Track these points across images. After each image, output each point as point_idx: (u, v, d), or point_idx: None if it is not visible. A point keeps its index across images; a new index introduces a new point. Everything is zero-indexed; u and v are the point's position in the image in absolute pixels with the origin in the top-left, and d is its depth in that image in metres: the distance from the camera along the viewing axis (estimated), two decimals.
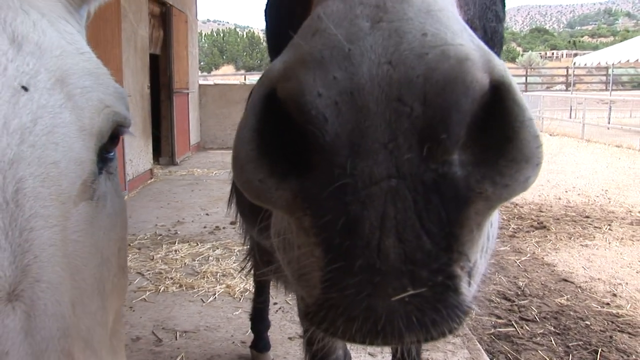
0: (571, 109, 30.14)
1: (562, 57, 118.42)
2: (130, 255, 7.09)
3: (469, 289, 0.86)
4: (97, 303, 1.19)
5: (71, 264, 1.12)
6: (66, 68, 1.21)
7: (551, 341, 5.13)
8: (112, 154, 1.34)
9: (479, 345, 4.82)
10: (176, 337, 5.00)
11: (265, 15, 1.72)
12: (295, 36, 0.87)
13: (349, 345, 3.86)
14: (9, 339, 0.97)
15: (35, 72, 1.15)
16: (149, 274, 6.58)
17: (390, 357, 3.12)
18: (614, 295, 6.35)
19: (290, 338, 4.94)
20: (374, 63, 0.78)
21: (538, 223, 9.27)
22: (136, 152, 11.74)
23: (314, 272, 0.85)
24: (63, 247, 1.10)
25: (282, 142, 0.84)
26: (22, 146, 1.08)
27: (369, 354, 4.47)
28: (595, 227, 9.11)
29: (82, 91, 1.22)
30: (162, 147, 15.05)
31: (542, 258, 7.58)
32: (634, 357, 4.87)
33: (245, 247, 4.73)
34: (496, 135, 0.82)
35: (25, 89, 1.12)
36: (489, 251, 0.92)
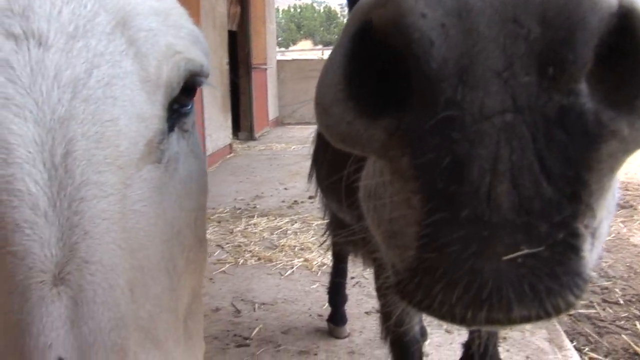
0: None
1: None
2: (210, 229, 7.24)
3: (591, 255, 0.72)
4: (163, 284, 1.03)
5: (131, 240, 0.97)
6: (129, 8, 1.04)
7: (636, 325, 4.89)
8: (188, 107, 1.17)
9: (558, 326, 4.66)
10: (254, 309, 5.08)
11: None
12: None
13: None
14: (53, 329, 0.86)
15: (94, 14, 0.99)
16: (229, 246, 6.70)
17: (465, 341, 3.04)
18: None
19: (366, 312, 4.93)
20: None
21: (624, 202, 8.86)
22: (216, 127, 11.94)
23: (409, 227, 0.73)
24: (121, 220, 0.95)
25: (373, 80, 0.75)
26: (75, 101, 0.93)
27: (446, 330, 4.40)
28: None
29: (146, 35, 1.05)
30: (241, 122, 15.26)
31: (628, 239, 7.22)
32: None
33: (324, 221, 4.73)
34: (628, 72, 0.68)
35: (79, 34, 0.97)
36: (610, 216, 0.78)
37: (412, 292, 0.74)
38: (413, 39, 0.66)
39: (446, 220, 0.68)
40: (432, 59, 0.66)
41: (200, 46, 1.19)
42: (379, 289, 2.77)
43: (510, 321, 0.71)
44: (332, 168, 3.49)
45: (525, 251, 0.68)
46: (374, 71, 0.74)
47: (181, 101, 1.12)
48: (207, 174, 1.24)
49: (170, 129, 1.10)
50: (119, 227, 0.94)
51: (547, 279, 0.69)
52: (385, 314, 2.74)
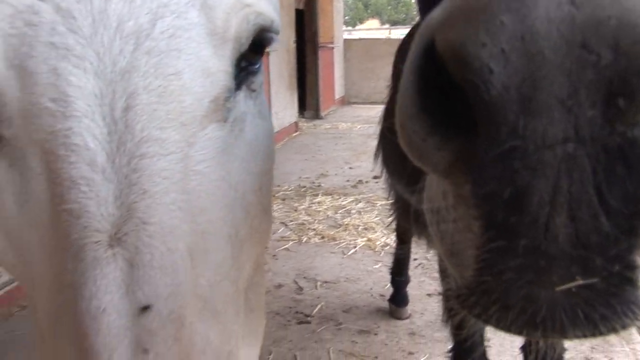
0: None
1: None
2: (274, 206, 7.31)
3: None
4: (225, 252, 0.97)
5: (192, 202, 0.91)
6: None
7: None
8: (256, 66, 1.09)
9: None
10: (316, 287, 5.12)
11: None
12: None
13: None
14: (107, 292, 0.81)
15: None
16: (292, 224, 6.76)
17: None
18: None
19: (428, 294, 4.90)
20: (552, 2, 0.63)
21: None
22: (282, 105, 12.01)
23: (468, 250, 0.73)
24: (182, 180, 0.90)
25: (447, 99, 0.73)
26: (137, 53, 0.88)
27: None
28: None
29: None
30: (307, 101, 15.30)
31: None
32: None
33: (388, 202, 4.71)
34: None
35: None
36: None
37: (471, 306, 0.75)
38: (473, 69, 0.65)
39: (504, 248, 0.69)
40: (491, 86, 0.64)
41: (270, 0, 1.12)
42: (441, 272, 2.75)
43: (566, 338, 0.72)
44: (398, 150, 3.47)
45: (580, 282, 0.68)
46: (444, 90, 0.72)
47: (249, 59, 1.06)
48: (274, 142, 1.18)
49: (238, 87, 1.04)
50: (179, 187, 0.89)
51: (601, 308, 0.69)
52: (448, 297, 2.72)
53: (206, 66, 0.94)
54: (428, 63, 0.73)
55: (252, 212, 1.06)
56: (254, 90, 1.10)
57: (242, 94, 1.05)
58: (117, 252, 0.83)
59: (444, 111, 0.73)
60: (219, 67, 0.96)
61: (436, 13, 0.73)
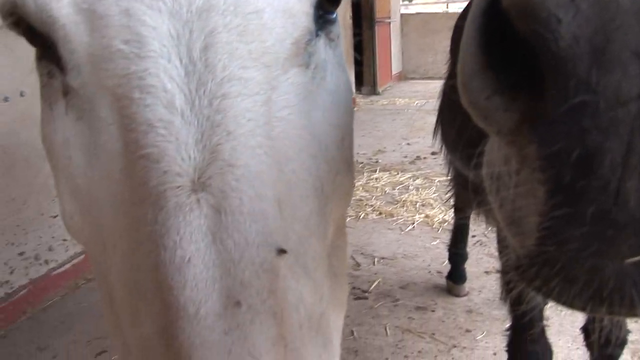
0: None
1: None
2: None
3: None
4: (311, 206, 0.90)
5: (277, 148, 0.85)
6: None
7: None
8: (332, 15, 1.03)
9: None
10: (374, 263, 5.15)
11: None
12: None
13: None
14: (192, 241, 0.75)
15: None
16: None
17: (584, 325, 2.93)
18: None
19: (486, 272, 4.86)
20: None
21: None
22: None
23: (530, 217, 0.68)
24: (266, 125, 0.84)
25: (512, 56, 0.69)
26: None
27: None
28: None
29: None
30: (364, 77, 15.20)
31: None
32: None
33: (447, 178, 4.68)
34: None
35: None
36: None
37: (531, 278, 0.70)
38: (539, 20, 0.60)
39: (570, 215, 0.63)
40: (560, 38, 0.59)
41: None
42: (500, 250, 2.73)
43: (635, 315, 0.67)
44: (457, 125, 3.44)
45: None
46: (510, 46, 0.68)
47: (326, 7, 1.01)
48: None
49: (317, 33, 0.99)
50: (264, 132, 0.84)
51: None
52: (506, 272, 2.70)
53: (287, 6, 0.90)
54: (491, 19, 0.69)
55: (335, 167, 1.00)
56: (332, 40, 1.06)
57: (322, 41, 1.01)
58: (202, 197, 0.77)
59: (508, 69, 0.69)
60: (300, 7, 0.92)
61: None
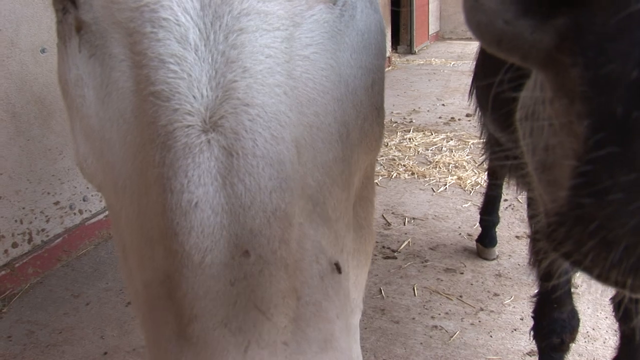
0: None
1: None
2: None
3: None
4: (335, 153, 0.84)
5: (298, 90, 0.79)
6: None
7: None
8: None
9: None
10: (404, 223, 5.14)
11: None
12: None
13: None
14: (200, 185, 0.71)
15: None
16: (383, 159, 6.75)
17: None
18: None
19: (517, 237, 4.82)
20: None
21: None
22: None
23: (565, 159, 0.56)
24: (288, 63, 0.78)
25: None
26: None
27: None
28: None
29: None
30: (401, 36, 14.98)
31: None
32: None
33: (481, 140, 4.62)
34: None
35: None
36: None
37: (561, 241, 0.58)
38: None
39: (615, 156, 0.50)
40: None
41: None
42: (530, 214, 2.69)
43: None
44: (491, 86, 3.37)
45: None
46: None
47: None
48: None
49: None
50: (285, 70, 0.78)
51: None
52: (535, 239, 2.67)
53: None
54: None
55: (363, 112, 0.94)
56: None
57: None
58: (212, 138, 0.72)
59: None
60: None
61: None
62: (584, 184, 0.53)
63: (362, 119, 0.93)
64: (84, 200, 4.89)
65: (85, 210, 4.93)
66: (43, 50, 4.43)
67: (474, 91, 4.02)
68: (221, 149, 0.72)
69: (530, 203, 2.68)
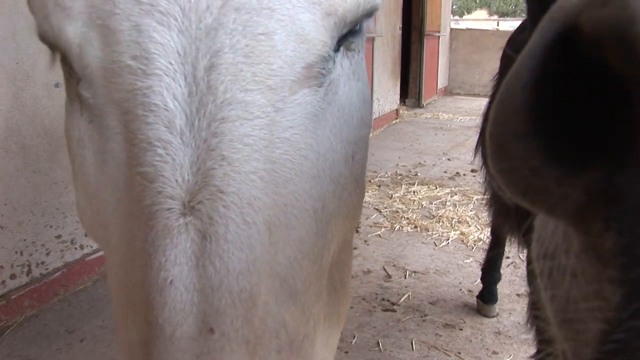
0: None
1: None
2: (369, 192, 7.33)
3: None
4: (308, 228, 0.88)
5: (276, 172, 0.83)
6: None
7: None
8: (357, 27, 0.98)
9: None
10: (405, 276, 5.11)
11: None
12: None
13: None
14: (176, 264, 0.75)
15: None
16: (386, 211, 6.75)
17: None
18: None
19: (518, 295, 4.78)
20: None
21: None
22: (384, 91, 11.97)
23: (593, 322, 0.50)
24: (267, 148, 0.82)
25: (571, 113, 0.50)
26: (225, 9, 0.81)
27: None
28: None
29: None
30: (410, 89, 15.15)
31: None
32: None
33: (485, 197, 4.63)
34: None
35: None
36: None
37: None
38: None
39: None
40: None
41: None
42: (529, 275, 2.68)
43: None
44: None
45: None
46: (573, 99, 0.50)
47: (349, 36, 0.97)
48: (370, 142, 1.12)
49: (336, 49, 0.94)
50: (262, 156, 0.82)
51: None
52: (533, 302, 2.66)
53: (301, 32, 0.86)
54: (557, 59, 0.50)
55: (341, 183, 0.97)
56: (351, 50, 1.00)
57: (339, 56, 0.96)
58: (190, 221, 0.77)
59: (566, 129, 0.50)
60: (316, 35, 0.88)
61: None
62: (616, 350, 0.49)
63: (341, 189, 0.97)
64: (85, 235, 4.88)
65: (87, 246, 4.92)
66: (57, 85, 4.49)
67: (480, 148, 4.06)
68: (197, 232, 0.77)
69: (530, 262, 2.67)
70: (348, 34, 0.96)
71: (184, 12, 0.81)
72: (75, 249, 4.82)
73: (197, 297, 0.76)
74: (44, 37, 0.91)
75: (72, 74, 0.92)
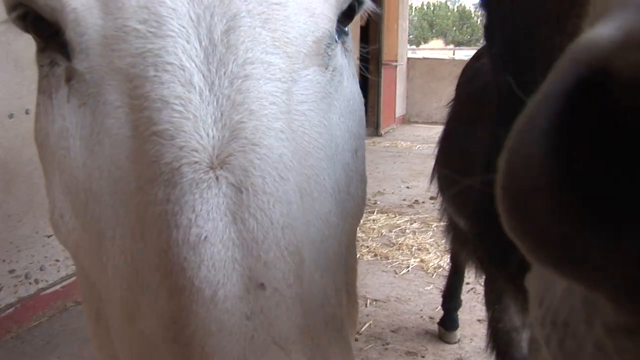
0: None
1: None
2: None
3: None
4: (330, 206, 0.86)
5: (296, 141, 0.82)
6: None
7: None
8: (346, 29, 1.04)
9: None
10: (366, 304, 5.10)
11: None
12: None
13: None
14: (209, 219, 0.69)
15: None
16: None
17: None
18: None
19: (479, 320, 4.82)
20: None
21: None
22: None
23: None
24: (287, 114, 0.81)
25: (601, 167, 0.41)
26: None
27: None
28: None
29: None
30: (368, 118, 15.23)
31: None
32: None
33: (443, 224, 4.68)
34: None
35: None
36: None
37: None
38: None
39: None
40: None
41: None
42: (487, 299, 2.71)
43: None
44: (452, 171, 3.45)
45: None
46: (602, 146, 0.41)
47: (341, 21, 1.00)
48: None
49: (337, 33, 0.98)
50: (286, 119, 0.80)
51: None
52: (493, 327, 2.69)
53: (310, 6, 0.88)
54: (579, 106, 0.42)
55: (349, 175, 0.96)
56: (348, 51, 1.06)
57: (339, 48, 1.00)
58: (220, 175, 0.72)
59: (596, 186, 0.41)
60: (322, 10, 0.90)
61: (603, 31, 0.42)
62: None
63: (349, 181, 0.95)
64: (40, 269, 4.76)
65: (42, 280, 4.80)
66: (11, 116, 4.41)
67: (436, 175, 4.11)
68: (229, 186, 0.72)
69: (489, 287, 2.70)
70: (342, 30, 1.00)
71: None
72: (30, 283, 4.69)
73: (238, 253, 0.69)
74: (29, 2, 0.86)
75: (58, 58, 0.88)
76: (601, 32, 0.42)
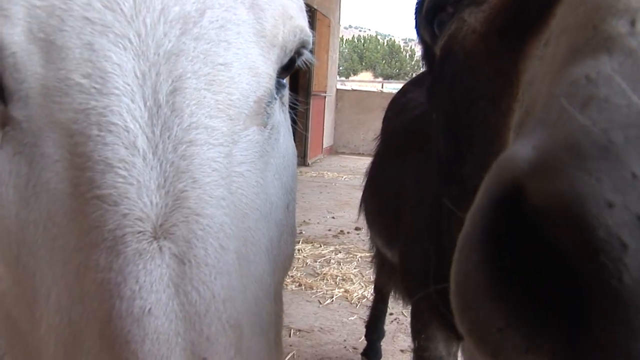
0: None
1: None
2: None
3: None
4: (264, 267, 0.86)
5: (235, 204, 0.81)
6: None
7: None
8: (284, 80, 1.04)
9: None
10: (290, 335, 5.06)
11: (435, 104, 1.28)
12: (543, 112, 0.50)
13: None
14: (152, 291, 0.69)
15: None
16: None
17: None
18: None
19: (402, 350, 4.86)
20: None
21: None
22: None
23: None
24: (227, 178, 0.81)
25: (530, 271, 0.49)
26: (184, 38, 0.81)
27: None
28: None
29: None
30: (296, 147, 15.35)
31: None
32: None
33: (369, 254, 4.72)
34: None
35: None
36: None
37: None
38: (596, 241, 0.42)
39: None
40: (624, 270, 0.42)
41: (305, 18, 1.08)
42: (413, 329, 2.75)
43: None
44: (380, 203, 3.50)
45: None
46: (533, 257, 0.49)
47: (281, 72, 1.01)
48: None
49: (276, 88, 0.98)
50: (226, 185, 0.80)
51: None
52: (419, 356, 2.72)
53: (253, 65, 0.89)
54: (505, 216, 0.49)
55: (282, 230, 0.97)
56: (284, 105, 1.08)
57: (277, 104, 1.01)
58: (164, 245, 0.71)
59: (528, 287, 0.49)
60: (264, 68, 0.91)
61: (520, 150, 0.48)
62: None
63: (280, 236, 0.96)
64: None
65: None
66: None
67: (363, 206, 4.16)
68: (172, 257, 0.71)
69: (415, 317, 2.74)
70: (280, 83, 1.01)
71: (140, 36, 0.80)
72: None
73: (181, 326, 0.69)
74: None
75: None
76: (518, 151, 0.49)
